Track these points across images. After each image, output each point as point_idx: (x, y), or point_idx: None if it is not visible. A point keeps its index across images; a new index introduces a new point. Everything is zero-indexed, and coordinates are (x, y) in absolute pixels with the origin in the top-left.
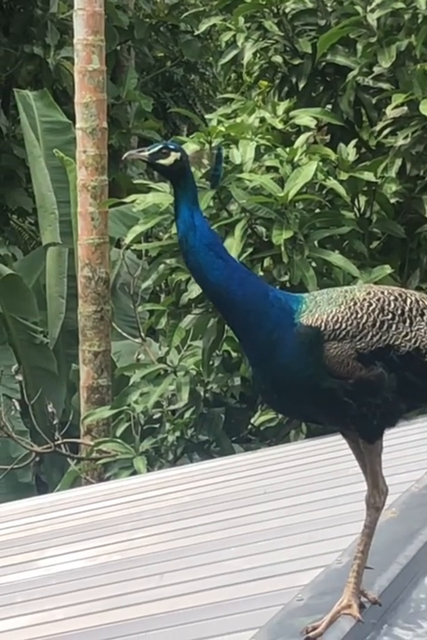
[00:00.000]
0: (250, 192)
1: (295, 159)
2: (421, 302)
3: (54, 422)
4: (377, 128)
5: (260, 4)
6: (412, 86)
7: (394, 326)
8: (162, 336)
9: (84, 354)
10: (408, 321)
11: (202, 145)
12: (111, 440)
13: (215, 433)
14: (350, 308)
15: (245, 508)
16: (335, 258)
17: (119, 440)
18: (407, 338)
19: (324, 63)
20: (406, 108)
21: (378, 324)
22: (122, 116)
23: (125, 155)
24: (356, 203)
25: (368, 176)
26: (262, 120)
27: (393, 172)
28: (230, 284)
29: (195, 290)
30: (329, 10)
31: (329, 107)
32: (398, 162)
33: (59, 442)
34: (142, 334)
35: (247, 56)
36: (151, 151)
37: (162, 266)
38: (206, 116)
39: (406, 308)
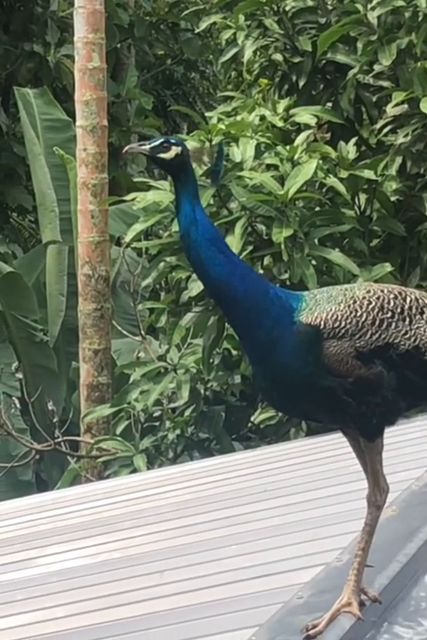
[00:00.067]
0: (250, 190)
1: (295, 157)
2: (420, 301)
3: (54, 420)
4: (377, 126)
5: (260, 2)
6: (412, 84)
7: (394, 325)
8: (162, 334)
9: (84, 352)
10: (408, 319)
11: (202, 143)
12: (111, 438)
13: (215, 431)
14: (349, 306)
15: (246, 505)
16: (335, 256)
17: (119, 438)
18: (407, 336)
19: (324, 61)
20: (406, 105)
21: (377, 323)
22: (122, 113)
23: (126, 148)
24: (356, 201)
25: (368, 174)
26: (263, 118)
27: (393, 170)
28: (232, 280)
29: (195, 288)
30: (329, 8)
31: (329, 105)
32: (399, 160)
33: (59, 440)
34: (142, 332)
35: (247, 54)
36: (152, 145)
37: (162, 264)
38: (207, 114)
39: (406, 307)
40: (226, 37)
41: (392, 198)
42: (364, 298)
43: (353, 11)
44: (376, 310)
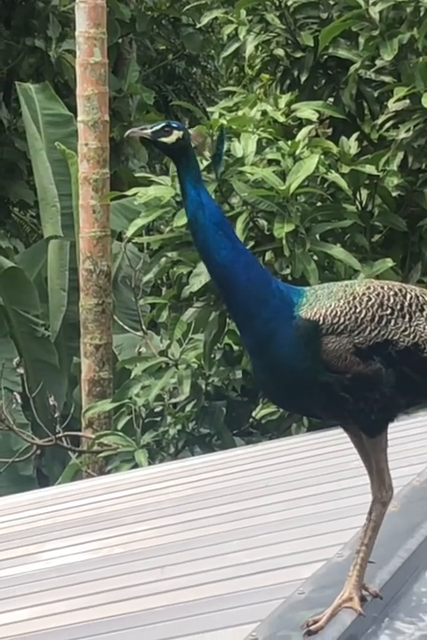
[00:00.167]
0: (252, 185)
1: (297, 152)
2: (421, 298)
3: (55, 415)
4: (379, 121)
5: None
6: (414, 79)
7: (393, 321)
8: (163, 329)
9: (85, 347)
10: (407, 316)
11: (204, 137)
12: (112, 433)
13: (217, 426)
14: (349, 302)
15: (247, 501)
16: (337, 251)
17: (120, 433)
18: (406, 333)
19: (326, 56)
20: (408, 101)
21: (377, 319)
22: (124, 108)
23: (128, 132)
24: (357, 196)
25: (370, 169)
26: (264, 113)
27: (395, 166)
28: (236, 266)
29: (196, 283)
30: (331, 3)
31: (331, 100)
32: (400, 155)
33: (60, 435)
34: (144, 327)
35: (249, 49)
36: (154, 129)
37: (163, 259)
38: (208, 109)
39: (406, 304)
40: (228, 32)
41: (394, 194)
42: (364, 294)
43: (355, 6)
44: (376, 307)
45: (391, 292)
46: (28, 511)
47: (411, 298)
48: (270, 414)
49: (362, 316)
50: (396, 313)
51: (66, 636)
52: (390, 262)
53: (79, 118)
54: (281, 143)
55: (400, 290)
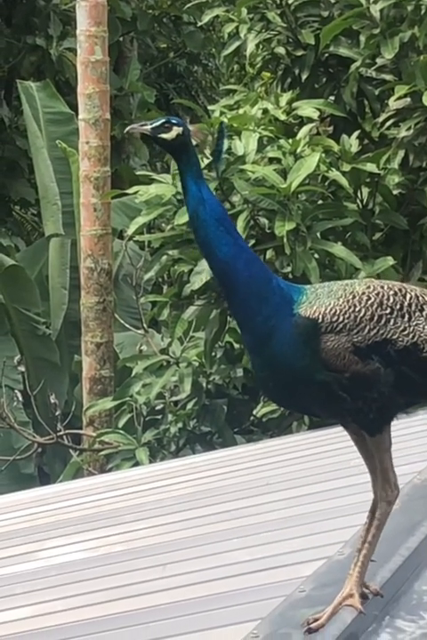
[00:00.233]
0: (252, 183)
1: (298, 150)
2: (421, 298)
3: (56, 413)
4: (380, 119)
5: None
6: (415, 78)
7: (392, 321)
8: (164, 327)
9: (86, 345)
10: (407, 316)
11: (204, 135)
12: (113, 431)
13: (218, 424)
14: (348, 301)
15: (248, 499)
16: (338, 249)
17: (121, 431)
18: (405, 333)
19: (327, 54)
20: (409, 99)
21: (376, 318)
22: (125, 107)
23: (128, 128)
24: (358, 194)
25: (371, 167)
26: (265, 111)
27: (396, 164)
28: (237, 262)
29: (197, 281)
30: (332, 1)
31: (332, 98)
32: (401, 153)
33: (61, 433)
34: (145, 325)
35: (250, 47)
36: (154, 125)
37: (164, 257)
38: (209, 108)
39: (406, 304)
40: (228, 30)
41: (395, 192)
42: (363, 293)
43: (356, 4)
44: (375, 306)
45: (391, 292)
46: (29, 509)
47: (411, 298)
48: (271, 412)
49: (361, 314)
50: (395, 312)
51: (67, 634)
52: (390, 260)
53: (80, 116)
54: (282, 141)
55: (400, 289)
